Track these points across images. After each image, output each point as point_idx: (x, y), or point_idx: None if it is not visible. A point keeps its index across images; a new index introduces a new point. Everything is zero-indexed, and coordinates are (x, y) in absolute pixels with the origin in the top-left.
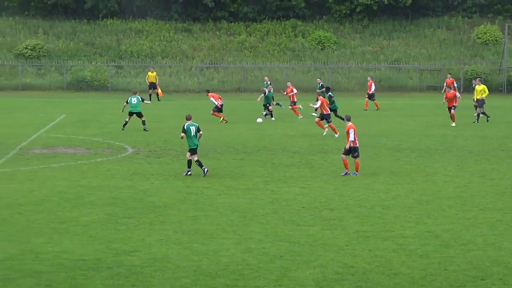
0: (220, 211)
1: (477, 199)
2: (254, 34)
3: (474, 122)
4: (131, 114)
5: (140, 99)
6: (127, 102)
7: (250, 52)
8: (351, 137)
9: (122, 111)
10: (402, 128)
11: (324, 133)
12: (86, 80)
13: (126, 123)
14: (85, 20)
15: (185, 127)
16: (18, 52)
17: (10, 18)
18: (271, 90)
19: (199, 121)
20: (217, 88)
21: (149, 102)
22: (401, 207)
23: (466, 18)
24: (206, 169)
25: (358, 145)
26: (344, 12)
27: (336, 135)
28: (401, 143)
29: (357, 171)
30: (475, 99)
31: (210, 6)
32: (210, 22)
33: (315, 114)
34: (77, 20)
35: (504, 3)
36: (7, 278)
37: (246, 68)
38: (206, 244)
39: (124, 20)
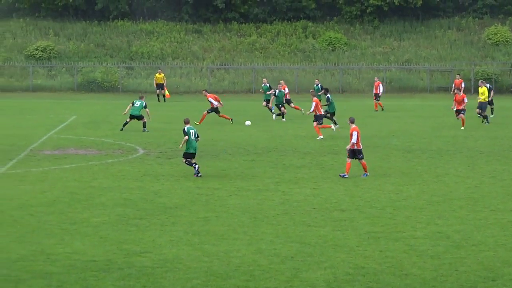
0: (231, 212)
1: (488, 200)
2: (265, 35)
3: (484, 123)
4: (131, 116)
5: (144, 105)
6: (132, 104)
7: (261, 53)
8: (354, 139)
9: (125, 113)
10: (413, 129)
11: (334, 129)
12: (97, 81)
13: (126, 123)
14: (96, 22)
15: (185, 130)
16: (29, 53)
17: (21, 19)
18: (282, 89)
19: (213, 121)
20: (228, 89)
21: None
22: (412, 208)
23: (476, 19)
24: (199, 174)
25: (361, 147)
26: (355, 13)
27: (320, 137)
28: (412, 144)
29: (366, 171)
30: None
31: (220, 7)
32: (220, 23)
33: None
34: (88, 21)
35: None
36: (19, 279)
37: (257, 69)
38: (217, 245)
39: (134, 22)
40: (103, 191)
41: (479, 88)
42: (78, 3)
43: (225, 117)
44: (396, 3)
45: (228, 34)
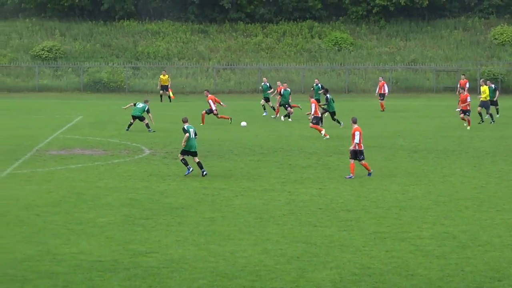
0: (236, 212)
1: (494, 200)
2: (271, 35)
3: (490, 123)
4: (133, 117)
5: (146, 109)
6: (134, 104)
7: (267, 53)
8: (356, 140)
9: (125, 108)
10: (419, 129)
11: (327, 137)
12: (103, 82)
13: (131, 124)
14: (102, 22)
15: (185, 128)
16: (35, 53)
17: (27, 19)
18: (287, 88)
19: (219, 121)
20: (234, 90)
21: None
22: (418, 208)
23: (482, 19)
24: (190, 171)
25: (363, 148)
26: (361, 13)
27: (323, 134)
28: (418, 144)
29: (369, 169)
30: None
31: (226, 7)
32: (226, 24)
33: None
34: (94, 21)
35: None
36: (25, 279)
37: (263, 69)
38: (223, 245)
39: (140, 22)
40: (109, 191)
41: (481, 87)
42: (84, 3)
43: (224, 117)
44: (402, 3)
45: (234, 34)
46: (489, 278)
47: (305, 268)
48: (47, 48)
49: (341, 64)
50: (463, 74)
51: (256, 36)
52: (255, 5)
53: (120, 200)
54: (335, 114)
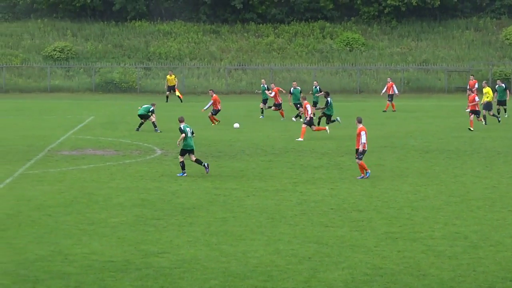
0: (248, 212)
1: (506, 200)
2: (282, 36)
3: (499, 122)
4: (139, 116)
5: (149, 110)
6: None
7: (278, 53)
8: (364, 139)
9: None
10: (430, 129)
11: (328, 132)
12: (115, 82)
13: (141, 123)
14: (114, 22)
15: (182, 128)
16: (47, 54)
17: (39, 20)
18: (297, 87)
19: (229, 122)
20: (245, 90)
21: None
22: (430, 208)
23: (494, 19)
24: (207, 164)
25: (366, 148)
26: (372, 13)
27: (300, 139)
28: (430, 144)
29: (367, 169)
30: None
31: (238, 8)
32: (238, 24)
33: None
34: (106, 22)
35: None
36: (37, 279)
37: (275, 70)
38: (234, 245)
39: (152, 22)
40: (121, 191)
41: (483, 88)
42: (96, 3)
43: (212, 119)
44: (414, 3)
45: (245, 34)
46: (501, 278)
47: (317, 268)
48: (59, 48)
49: (352, 65)
50: (472, 75)
51: (267, 36)
52: (266, 6)
53: (132, 200)
54: (331, 117)
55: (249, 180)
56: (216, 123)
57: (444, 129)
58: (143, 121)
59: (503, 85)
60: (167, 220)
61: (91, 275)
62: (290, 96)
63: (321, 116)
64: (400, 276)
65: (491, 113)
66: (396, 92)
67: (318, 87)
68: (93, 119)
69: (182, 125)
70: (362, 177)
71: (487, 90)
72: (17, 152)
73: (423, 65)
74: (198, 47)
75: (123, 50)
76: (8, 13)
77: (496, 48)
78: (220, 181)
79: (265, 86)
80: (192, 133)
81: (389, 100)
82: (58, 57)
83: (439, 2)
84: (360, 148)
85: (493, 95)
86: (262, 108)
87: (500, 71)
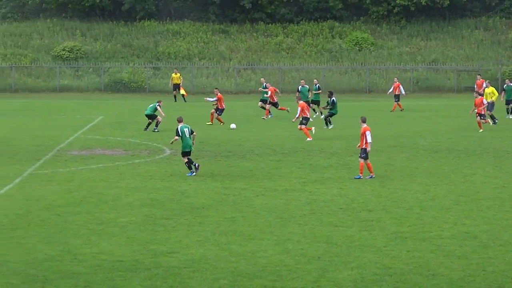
0: (257, 212)
1: None
2: (291, 36)
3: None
4: (146, 116)
5: (154, 108)
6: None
7: (288, 53)
8: (369, 139)
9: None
10: (440, 129)
11: (311, 135)
12: (124, 82)
13: (149, 123)
14: (123, 22)
15: (178, 129)
16: (56, 53)
17: (48, 20)
18: (304, 85)
19: (238, 122)
20: (255, 90)
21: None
22: (439, 208)
23: (504, 18)
24: (197, 164)
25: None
26: (382, 13)
27: (309, 139)
28: (439, 144)
29: (361, 173)
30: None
31: (247, 7)
32: (247, 24)
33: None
34: (115, 22)
35: None
36: (46, 279)
37: (284, 69)
38: (244, 245)
39: (161, 22)
40: (130, 191)
41: (486, 88)
42: (105, 3)
43: (211, 118)
44: (423, 3)
45: (254, 34)
46: (510, 278)
47: (326, 268)
48: (68, 48)
49: (362, 64)
50: (478, 74)
51: (276, 36)
52: (275, 5)
53: (141, 200)
54: (332, 116)
55: (258, 179)
56: (222, 124)
57: (454, 128)
58: (150, 121)
59: (511, 84)
60: (176, 220)
61: (100, 274)
62: (298, 95)
63: (328, 116)
64: (410, 276)
65: (490, 113)
66: (403, 92)
67: (317, 85)
68: (102, 119)
69: (179, 126)
70: (371, 177)
71: (491, 89)
72: (27, 152)
73: (432, 65)
74: (207, 47)
75: (132, 50)
76: (17, 12)
77: (505, 47)
78: (230, 181)
79: (265, 84)
80: (192, 132)
81: (395, 101)
82: (67, 57)
83: (448, 2)
84: (369, 148)
85: (501, 94)
86: (261, 107)
87: (509, 70)
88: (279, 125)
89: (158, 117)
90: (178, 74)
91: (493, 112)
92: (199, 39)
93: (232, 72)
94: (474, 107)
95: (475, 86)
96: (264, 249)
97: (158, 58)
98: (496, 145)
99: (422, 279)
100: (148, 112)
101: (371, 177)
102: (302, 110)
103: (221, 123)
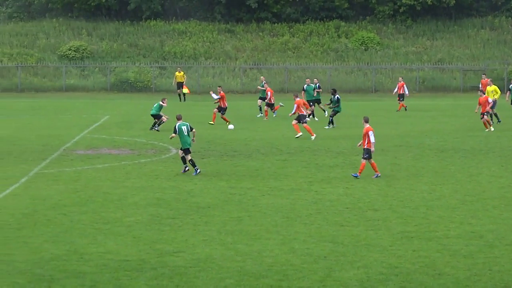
0: (263, 211)
1: None
2: (297, 35)
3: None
4: (152, 116)
5: (159, 107)
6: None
7: (293, 53)
8: (372, 139)
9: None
10: (446, 128)
11: (298, 136)
12: (130, 81)
13: (155, 123)
14: (129, 22)
15: (176, 127)
16: (62, 53)
17: (54, 19)
18: (310, 84)
19: (244, 121)
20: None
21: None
22: (445, 207)
23: (510, 18)
24: (198, 170)
25: (373, 149)
26: (388, 12)
27: (313, 137)
28: (445, 143)
29: (359, 172)
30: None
31: (253, 7)
32: (253, 23)
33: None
34: (121, 21)
35: None
36: (52, 278)
37: (290, 69)
38: (250, 244)
39: (167, 22)
40: (136, 190)
41: (488, 86)
42: (110, 3)
43: (213, 118)
44: (429, 2)
45: (260, 34)
46: None
47: (332, 267)
48: (74, 48)
49: (367, 64)
50: (484, 74)
51: (282, 35)
52: (281, 5)
53: (147, 199)
54: (335, 115)
55: (264, 179)
56: (228, 123)
57: (460, 128)
58: (156, 120)
59: None
60: (182, 219)
61: (106, 274)
62: (304, 93)
63: (333, 114)
64: (416, 275)
65: (493, 111)
66: (407, 92)
67: (318, 84)
68: (108, 118)
69: (177, 124)
70: (377, 175)
71: (493, 88)
72: (33, 151)
73: (438, 64)
74: (213, 47)
75: (138, 49)
76: (23, 12)
77: (511, 47)
78: (236, 180)
79: (263, 83)
80: (191, 129)
81: (400, 100)
82: (73, 56)
83: (454, 1)
84: (372, 148)
85: (507, 94)
86: (260, 105)
87: None
88: (285, 125)
89: (163, 117)
90: (182, 73)
91: (495, 111)
92: (205, 38)
93: (238, 72)
94: (478, 106)
95: (480, 85)
96: (270, 249)
97: (164, 58)
98: (502, 144)
99: (428, 279)
100: (153, 112)
101: (377, 176)
102: (298, 107)
103: (227, 122)
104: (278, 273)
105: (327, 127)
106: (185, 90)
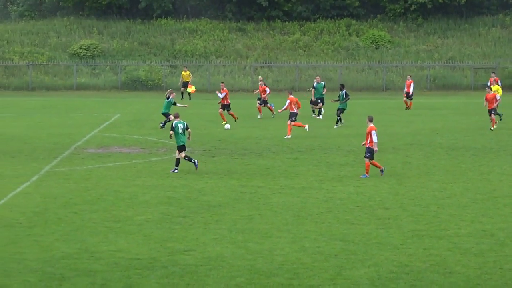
0: (274, 210)
1: None
2: (308, 33)
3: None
4: (163, 114)
5: (170, 104)
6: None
7: (304, 51)
8: (375, 139)
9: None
10: (457, 126)
11: (286, 137)
12: (141, 80)
13: (166, 121)
14: (139, 20)
15: (173, 125)
16: (73, 52)
17: (65, 18)
18: (320, 82)
19: (257, 119)
20: (271, 87)
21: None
22: (456, 206)
23: None
24: (196, 161)
25: (376, 148)
26: (398, 10)
27: (288, 136)
28: (456, 141)
29: (367, 172)
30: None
31: (264, 5)
32: (264, 22)
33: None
34: (131, 20)
35: None
36: (63, 277)
37: (300, 67)
38: (260, 243)
39: (178, 20)
40: (147, 189)
41: (492, 86)
42: (121, 1)
43: (223, 118)
44: (440, 0)
45: (271, 32)
46: None
47: (343, 266)
48: (85, 46)
49: (378, 62)
50: (493, 72)
51: (293, 34)
52: (292, 3)
53: (158, 198)
54: (343, 112)
55: (275, 177)
56: (235, 120)
57: (471, 126)
58: (167, 118)
59: None
60: (193, 218)
61: (117, 272)
62: (313, 91)
63: (340, 113)
64: (426, 274)
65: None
66: (411, 90)
67: (322, 83)
68: (119, 117)
69: (174, 122)
70: (364, 176)
71: (496, 88)
72: (44, 150)
73: (449, 63)
74: (224, 45)
75: (149, 48)
76: (34, 11)
77: None
78: (246, 179)
79: (263, 82)
80: (187, 128)
81: (409, 98)
82: (84, 55)
83: None
84: (375, 148)
85: None
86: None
87: None
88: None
89: (170, 115)
90: (188, 72)
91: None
92: (215, 37)
93: (248, 70)
94: (485, 102)
95: (488, 83)
96: (280, 247)
97: (175, 56)
98: None
99: (439, 277)
100: (164, 110)
101: (364, 177)
102: (290, 104)
103: (235, 119)
104: (289, 271)
105: (336, 126)
106: (191, 89)
